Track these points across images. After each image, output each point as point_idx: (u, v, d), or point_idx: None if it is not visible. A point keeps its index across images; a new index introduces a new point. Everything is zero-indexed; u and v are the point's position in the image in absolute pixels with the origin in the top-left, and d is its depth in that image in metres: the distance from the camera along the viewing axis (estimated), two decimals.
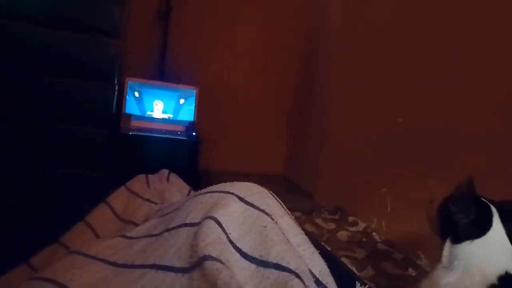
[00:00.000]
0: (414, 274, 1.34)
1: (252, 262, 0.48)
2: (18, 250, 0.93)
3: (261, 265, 0.47)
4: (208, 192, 0.62)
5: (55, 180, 1.84)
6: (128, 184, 1.15)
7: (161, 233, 0.61)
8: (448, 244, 0.79)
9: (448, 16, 1.46)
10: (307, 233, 1.52)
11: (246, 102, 2.68)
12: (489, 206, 0.79)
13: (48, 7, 2.02)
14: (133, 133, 2.13)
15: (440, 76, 1.46)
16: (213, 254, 0.46)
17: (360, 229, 1.71)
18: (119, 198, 1.09)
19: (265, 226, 0.52)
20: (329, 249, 1.44)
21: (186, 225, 0.57)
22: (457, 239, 0.78)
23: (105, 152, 2.11)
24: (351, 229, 1.71)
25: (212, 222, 0.53)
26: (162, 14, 2.49)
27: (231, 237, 0.52)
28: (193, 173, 2.25)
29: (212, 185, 0.73)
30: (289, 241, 0.52)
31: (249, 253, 0.49)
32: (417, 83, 1.57)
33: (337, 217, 1.86)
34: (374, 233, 1.65)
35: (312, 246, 0.54)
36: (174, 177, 1.24)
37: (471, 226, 0.78)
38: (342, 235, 1.65)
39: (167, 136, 2.24)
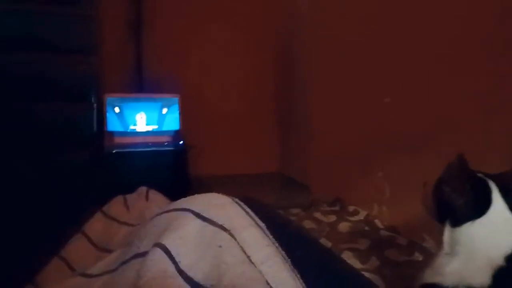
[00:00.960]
0: (420, 259, 1.27)
1: None
2: None
3: None
4: (165, 212, 0.55)
5: (43, 207, 1.79)
6: (105, 208, 1.08)
7: (116, 268, 0.54)
8: (447, 228, 0.72)
9: None
10: (305, 230, 1.45)
11: (231, 103, 2.62)
12: (487, 182, 0.71)
13: (16, 30, 1.96)
14: (117, 150, 2.07)
15: (423, 50, 1.39)
16: None
17: (362, 218, 1.64)
18: (95, 225, 1.02)
19: (220, 246, 0.45)
20: (329, 244, 1.37)
21: (138, 255, 0.50)
22: (456, 222, 0.71)
23: (91, 173, 2.05)
24: (352, 219, 1.64)
25: (159, 251, 0.46)
26: (133, 25, 2.42)
27: (182, 265, 0.45)
28: (185, 183, 2.19)
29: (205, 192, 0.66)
30: (249, 260, 0.44)
31: (202, 282, 0.43)
32: (401, 61, 1.49)
33: (336, 208, 1.79)
34: (376, 220, 1.58)
35: (280, 260, 0.47)
36: (153, 194, 1.17)
37: (468, 206, 0.70)
38: (344, 226, 1.58)
39: (153, 148, 2.18)
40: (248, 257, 0.45)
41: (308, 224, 1.60)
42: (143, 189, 1.18)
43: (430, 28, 1.35)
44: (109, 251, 0.91)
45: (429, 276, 0.72)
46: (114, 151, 2.06)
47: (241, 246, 0.46)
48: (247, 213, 0.54)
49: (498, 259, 0.63)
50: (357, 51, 1.75)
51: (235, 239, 0.47)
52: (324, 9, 2.02)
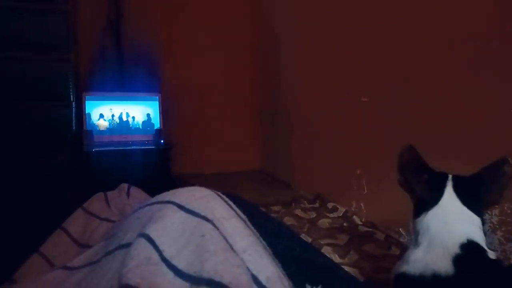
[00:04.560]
0: (397, 253, 1.31)
1: (187, 281, 0.42)
2: None
3: (194, 283, 0.42)
4: (148, 205, 0.56)
5: (23, 207, 1.76)
6: (85, 205, 1.07)
7: (99, 260, 0.55)
8: (411, 219, 0.77)
9: None
10: (286, 227, 1.48)
11: (212, 102, 2.63)
12: (439, 174, 0.76)
13: None
14: (96, 149, 2.04)
15: (402, 49, 1.43)
16: (131, 282, 0.40)
17: (340, 214, 1.68)
18: (76, 221, 1.02)
19: (203, 235, 0.47)
20: (309, 240, 1.40)
21: (122, 246, 0.51)
22: (415, 213, 0.76)
23: (71, 172, 2.03)
24: (331, 215, 1.68)
25: (142, 240, 0.47)
26: (113, 22, 2.39)
27: (166, 254, 0.46)
28: (167, 182, 2.19)
29: None
30: (231, 248, 0.46)
31: (185, 270, 0.44)
32: (379, 61, 1.54)
33: (316, 205, 1.83)
34: (354, 217, 1.62)
35: (260, 248, 0.48)
36: (135, 190, 1.17)
37: (422, 196, 0.75)
38: (323, 223, 1.61)
39: (133, 147, 2.17)
40: (230, 245, 0.46)
41: (288, 220, 1.62)
42: (124, 185, 1.17)
43: (410, 27, 1.40)
44: (90, 247, 0.90)
45: (399, 266, 0.76)
46: (93, 150, 2.04)
47: (223, 236, 0.47)
48: (229, 205, 0.56)
49: (454, 248, 0.67)
50: (338, 49, 1.79)
51: (217, 229, 0.48)
52: (308, 5, 2.05)
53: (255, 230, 0.55)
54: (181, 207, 0.52)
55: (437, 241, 0.70)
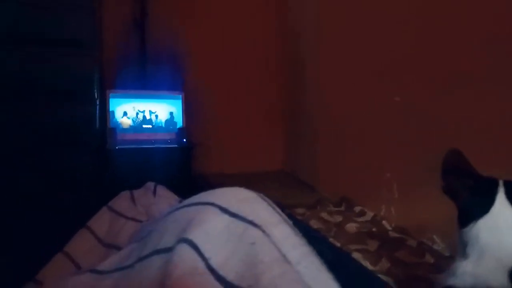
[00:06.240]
0: (432, 261, 1.24)
1: None
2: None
3: None
4: (185, 206, 0.52)
5: (49, 206, 1.76)
6: (110, 203, 1.04)
7: (132, 265, 0.51)
8: (458, 230, 0.70)
9: None
10: (315, 230, 1.42)
11: (235, 101, 2.59)
12: (488, 180, 0.69)
13: (12, 24, 1.91)
14: (120, 147, 2.03)
15: (434, 50, 1.36)
16: None
17: (369, 219, 1.61)
18: (101, 220, 0.99)
19: (254, 243, 0.42)
20: (338, 245, 1.34)
21: (158, 252, 0.47)
22: (463, 223, 0.69)
23: (94, 170, 2.02)
24: (359, 219, 1.61)
25: (186, 246, 0.42)
26: (138, 21, 2.38)
27: (212, 262, 0.41)
28: (188, 180, 2.16)
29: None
30: (285, 258, 0.41)
31: (236, 283, 0.39)
32: (410, 61, 1.46)
33: (342, 208, 1.76)
34: (384, 221, 1.55)
35: (316, 260, 0.43)
36: (161, 189, 1.13)
37: (469, 204, 0.68)
38: (351, 227, 1.54)
39: (156, 145, 2.15)
40: (283, 255, 0.41)
41: (315, 224, 1.57)
42: (150, 184, 1.14)
43: (445, 25, 1.33)
44: (116, 247, 0.87)
45: (445, 279, 0.70)
46: (117, 148, 2.02)
47: (274, 244, 0.43)
48: (273, 208, 0.51)
49: (509, 261, 0.60)
50: (367, 47, 1.72)
51: (267, 235, 0.43)
52: (334, 4, 1.99)
53: (303, 237, 0.50)
54: (223, 209, 0.48)
55: (489, 253, 0.64)
